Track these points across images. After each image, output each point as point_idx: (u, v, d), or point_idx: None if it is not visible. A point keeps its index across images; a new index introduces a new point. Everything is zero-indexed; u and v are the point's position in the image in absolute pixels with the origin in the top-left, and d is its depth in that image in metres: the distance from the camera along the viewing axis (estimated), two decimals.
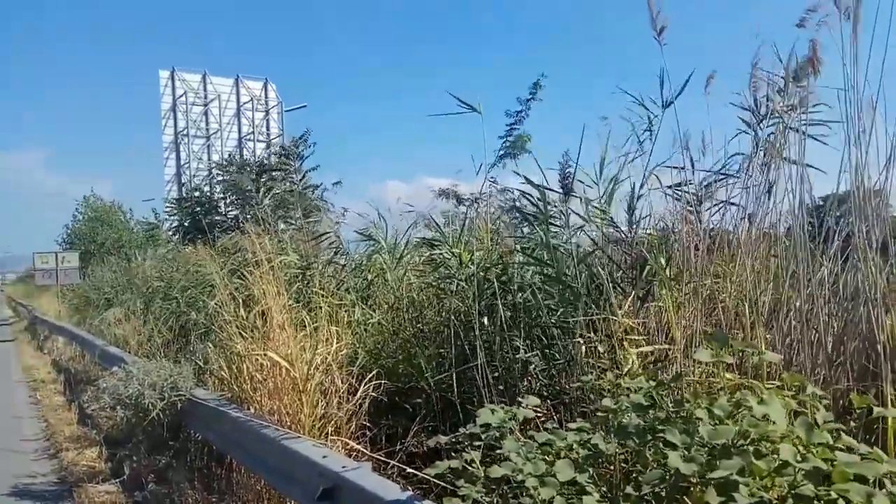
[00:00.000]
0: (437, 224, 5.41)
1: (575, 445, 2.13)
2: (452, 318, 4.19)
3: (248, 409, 4.10)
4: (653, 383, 2.28)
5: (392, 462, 3.46)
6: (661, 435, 1.87)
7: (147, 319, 8.08)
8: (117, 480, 5.06)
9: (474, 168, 4.75)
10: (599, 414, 2.37)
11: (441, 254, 4.96)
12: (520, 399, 2.65)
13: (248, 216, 14.26)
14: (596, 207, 3.93)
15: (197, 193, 18.46)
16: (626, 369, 3.00)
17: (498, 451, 2.31)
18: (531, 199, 4.50)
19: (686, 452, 1.77)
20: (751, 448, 1.73)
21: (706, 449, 1.79)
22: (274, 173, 16.02)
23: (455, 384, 3.98)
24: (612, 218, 3.95)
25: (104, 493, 4.86)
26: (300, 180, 16.26)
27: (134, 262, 13.69)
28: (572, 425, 2.32)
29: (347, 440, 3.67)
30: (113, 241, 24.87)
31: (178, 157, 29.33)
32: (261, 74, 32.87)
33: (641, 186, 4.01)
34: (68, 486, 5.15)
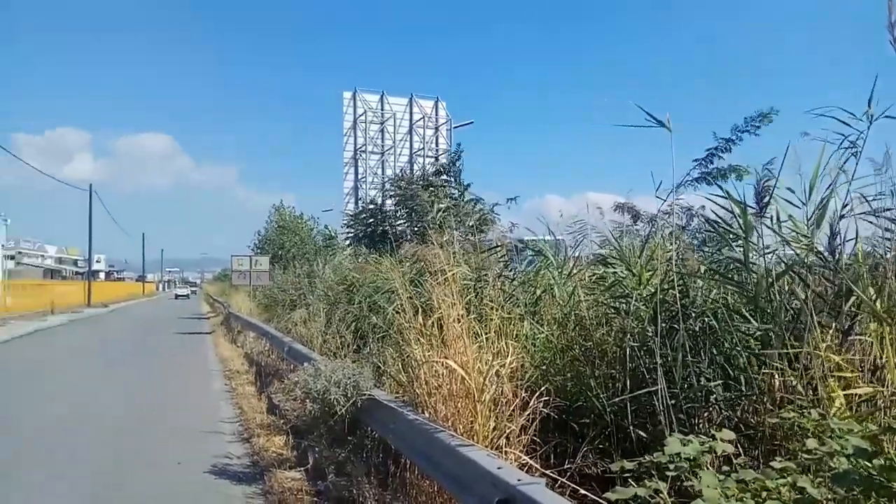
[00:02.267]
0: (614, 241, 5.27)
1: (782, 489, 1.97)
2: (628, 338, 4.07)
3: (424, 412, 4.28)
4: (873, 427, 2.04)
5: (561, 480, 3.43)
6: (890, 486, 1.67)
7: (330, 321, 8.74)
8: (302, 469, 5.52)
9: (653, 184, 4.57)
10: (805, 456, 2.16)
11: (616, 272, 4.84)
12: (713, 432, 2.50)
13: (417, 228, 14.95)
14: (795, 231, 3.60)
15: (371, 206, 19.68)
16: (832, 409, 2.72)
17: (687, 484, 2.21)
18: (722, 217, 4.24)
19: None
20: None
21: None
22: (434, 188, 16.64)
23: (629, 408, 3.85)
24: (816, 242, 3.60)
25: (291, 480, 5.29)
26: (461, 195, 16.76)
27: (316, 267, 14.86)
28: (775, 465, 2.14)
29: (520, 453, 3.69)
30: (297, 248, 27.29)
31: (356, 172, 31.74)
32: (433, 93, 34.55)
33: (844, 207, 3.62)
34: (260, 470, 5.69)
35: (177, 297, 73.07)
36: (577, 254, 6.20)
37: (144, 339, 20.32)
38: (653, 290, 4.13)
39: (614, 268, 5.03)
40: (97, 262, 78.31)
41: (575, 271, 5.65)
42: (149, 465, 5.93)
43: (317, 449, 5.72)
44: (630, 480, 2.57)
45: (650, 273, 4.31)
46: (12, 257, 67.48)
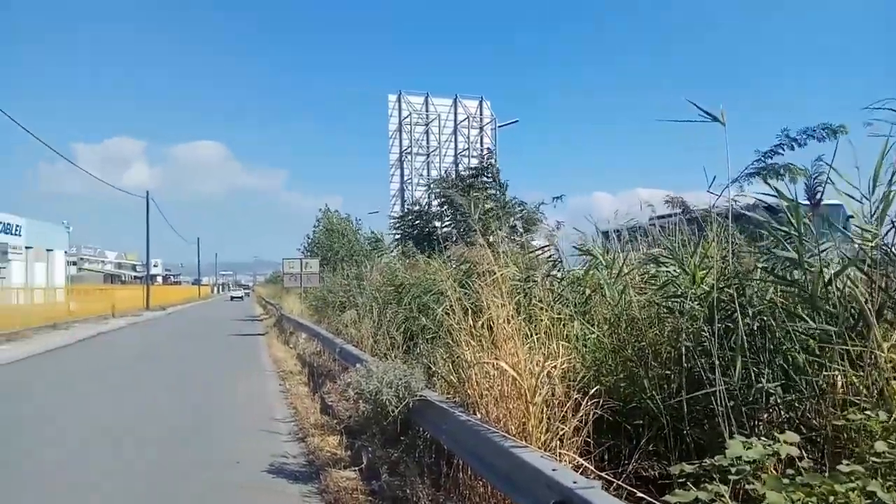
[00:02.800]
0: (666, 239, 5.18)
1: (851, 493, 1.91)
2: (683, 339, 3.99)
3: (475, 413, 4.31)
4: None
5: (617, 483, 3.40)
6: None
7: (380, 322, 8.85)
8: (356, 468, 5.61)
9: (706, 180, 4.46)
10: (875, 459, 2.09)
11: (668, 271, 4.75)
12: (776, 434, 2.44)
13: (462, 229, 14.98)
14: (860, 227, 3.48)
15: (416, 208, 19.82)
16: None
17: (749, 488, 2.16)
18: (773, 214, 4.12)
19: None
20: None
21: None
22: (476, 189, 16.61)
23: (685, 409, 3.79)
24: (881, 238, 3.46)
25: (345, 479, 5.38)
26: (502, 194, 16.70)
27: (364, 269, 15.06)
28: (843, 468, 2.08)
29: (574, 455, 3.67)
30: (346, 251, 27.72)
31: (401, 174, 32.05)
32: (477, 93, 34.60)
33: None
34: (315, 469, 5.80)
35: (232, 298, 79.01)
36: (627, 252, 6.10)
37: (201, 340, 20.98)
38: (707, 289, 4.05)
39: (667, 266, 4.94)
40: (154, 266, 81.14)
41: (626, 270, 5.57)
42: (209, 464, 6.13)
43: (370, 449, 5.81)
44: (689, 484, 2.52)
45: (704, 271, 4.22)
46: (74, 263, 70.54)
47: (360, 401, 5.37)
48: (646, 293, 5.11)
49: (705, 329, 3.87)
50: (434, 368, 5.65)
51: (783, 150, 5.35)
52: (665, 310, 4.64)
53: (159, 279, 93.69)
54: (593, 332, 5.13)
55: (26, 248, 45.17)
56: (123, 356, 16.74)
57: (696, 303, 4.12)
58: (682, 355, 3.93)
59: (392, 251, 19.58)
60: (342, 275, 17.82)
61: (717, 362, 3.52)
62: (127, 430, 7.62)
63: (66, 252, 56.50)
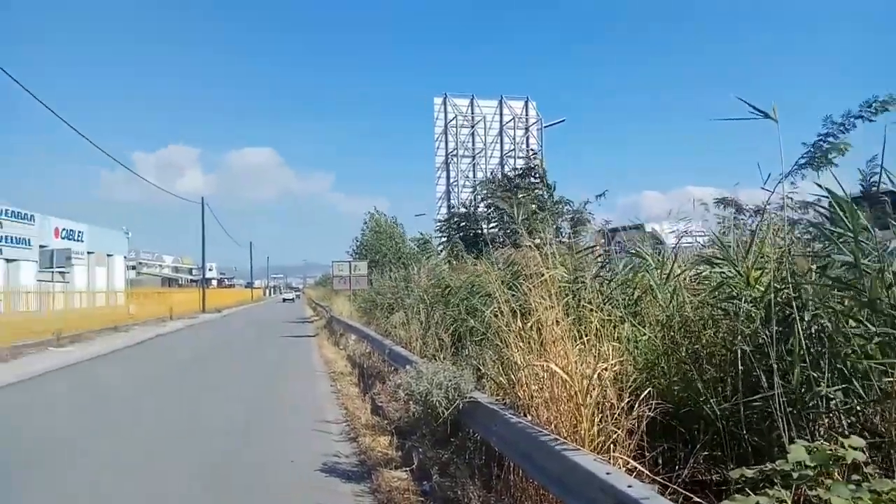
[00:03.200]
0: (719, 239, 5.06)
1: None
2: (738, 341, 3.90)
3: (526, 415, 4.31)
4: None
5: (672, 487, 3.34)
6: None
7: (428, 324, 8.93)
8: (407, 469, 5.67)
9: (761, 177, 4.34)
10: None
11: (723, 272, 4.65)
12: (840, 439, 2.36)
13: (508, 231, 14.92)
14: None
15: (462, 210, 19.86)
16: None
17: (811, 494, 2.10)
18: (830, 212, 3.98)
19: None
20: None
21: None
22: (522, 191, 16.51)
23: (742, 413, 3.70)
24: None
25: (397, 480, 5.45)
26: (549, 195, 16.55)
27: (411, 271, 15.18)
28: None
29: (628, 458, 3.64)
30: (394, 253, 27.97)
31: (447, 176, 32.20)
32: (523, 92, 34.49)
33: None
34: (367, 469, 5.90)
35: (283, 300, 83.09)
36: (677, 252, 5.99)
37: (254, 342, 21.54)
38: (762, 291, 3.95)
39: (720, 267, 4.83)
40: (209, 270, 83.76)
41: (678, 271, 5.48)
42: (264, 462, 6.31)
43: (420, 450, 5.86)
44: (747, 489, 2.47)
45: (759, 272, 4.11)
46: (133, 267, 73.35)
47: (411, 402, 5.42)
48: (699, 294, 5.01)
49: (761, 332, 3.78)
50: (483, 370, 5.67)
51: (831, 137, 5.13)
52: (720, 311, 4.54)
53: (214, 282, 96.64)
54: (644, 334, 5.06)
55: (88, 253, 47.32)
56: (181, 357, 17.34)
57: (750, 305, 4.02)
58: (737, 358, 3.84)
59: (439, 253, 19.68)
60: (390, 277, 18.00)
61: (774, 366, 3.43)
62: (187, 427, 7.92)
63: (125, 257, 58.84)
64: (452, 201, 30.15)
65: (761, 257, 4.41)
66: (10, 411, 9.54)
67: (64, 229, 45.32)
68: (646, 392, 4.06)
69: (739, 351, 3.84)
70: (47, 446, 7.01)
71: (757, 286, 4.10)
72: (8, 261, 38.44)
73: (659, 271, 5.74)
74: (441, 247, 19.47)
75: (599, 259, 6.76)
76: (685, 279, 5.39)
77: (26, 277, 36.86)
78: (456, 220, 18.95)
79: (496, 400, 4.97)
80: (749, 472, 2.41)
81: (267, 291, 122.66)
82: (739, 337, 3.96)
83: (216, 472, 6.05)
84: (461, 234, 17.68)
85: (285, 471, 6.00)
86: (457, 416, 5.32)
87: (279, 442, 7.22)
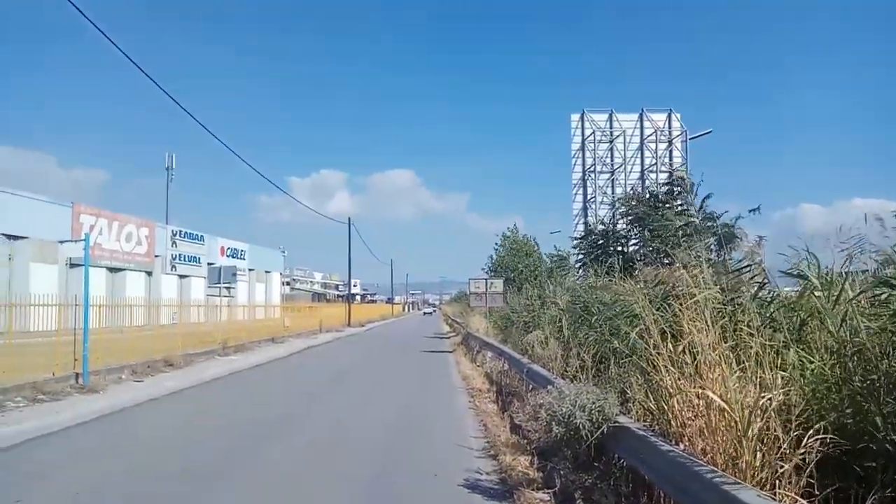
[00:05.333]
0: None
1: None
2: None
3: (678, 444, 4.09)
4: None
5: None
6: None
7: (569, 343, 8.77)
8: (550, 491, 5.57)
9: None
10: None
11: None
12: None
13: (651, 248, 14.30)
14: None
15: (601, 227, 19.37)
16: None
17: None
18: None
19: None
20: None
21: None
22: (669, 206, 15.71)
23: None
24: None
25: (539, 501, 5.38)
26: (699, 210, 15.59)
27: (547, 290, 15.03)
28: None
29: (796, 496, 3.33)
30: (529, 271, 27.87)
31: (584, 193, 31.59)
32: (665, 103, 33.20)
33: None
34: (508, 488, 5.85)
35: (424, 314, 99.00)
36: (847, 271, 5.41)
37: (396, 356, 22.36)
38: None
39: None
40: (354, 286, 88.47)
41: (850, 294, 4.94)
42: (410, 474, 6.52)
43: (562, 472, 5.75)
44: None
45: None
46: (288, 283, 79.38)
47: (553, 423, 5.34)
48: (878, 320, 4.49)
49: None
50: (629, 393, 5.47)
51: None
52: None
53: (358, 298, 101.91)
54: (812, 362, 4.62)
55: (249, 270, 51.93)
56: (330, 368, 18.41)
57: None
58: None
59: (577, 271, 19.29)
60: (526, 295, 17.94)
61: None
62: (336, 436, 8.38)
63: (281, 273, 63.87)
64: (590, 218, 29.48)
65: None
66: (181, 413, 10.66)
67: (229, 248, 50.18)
68: (815, 426, 3.70)
69: None
70: (204, 457, 7.73)
71: None
72: (181, 277, 43.25)
73: (827, 293, 5.22)
74: (579, 263, 19.09)
75: (757, 279, 6.26)
76: (859, 302, 4.86)
77: (196, 292, 41.21)
78: (594, 237, 18.49)
79: (644, 426, 4.77)
80: None
81: (406, 307, 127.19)
82: None
83: (365, 481, 6.31)
84: (600, 251, 17.22)
85: (430, 483, 6.14)
86: (601, 439, 5.16)
87: (423, 453, 7.43)
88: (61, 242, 25.81)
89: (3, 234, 28.60)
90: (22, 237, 29.46)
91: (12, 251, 29.25)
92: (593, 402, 5.11)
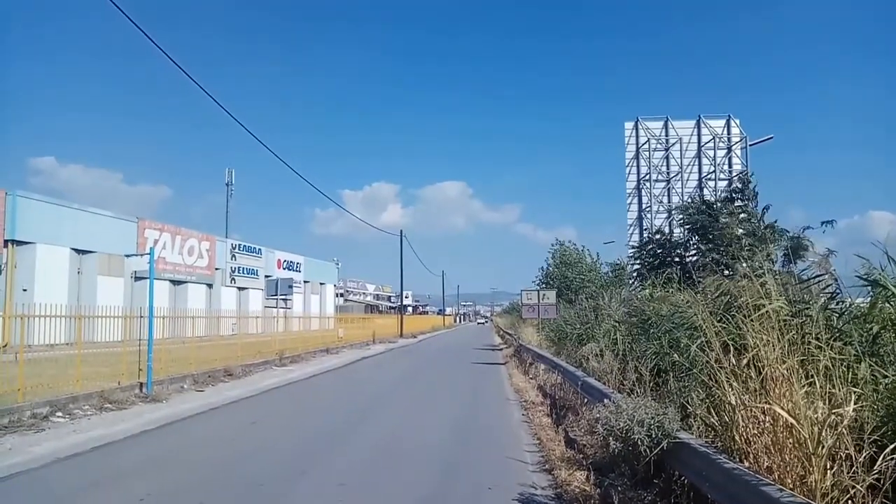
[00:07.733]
0: None
1: None
2: None
3: (743, 462, 3.94)
4: None
5: None
6: None
7: (625, 356, 8.57)
8: None
9: None
10: None
11: None
12: None
13: (711, 258, 13.88)
14: None
15: (658, 236, 18.95)
16: None
17: None
18: None
19: None
20: None
21: None
22: (731, 214, 15.21)
23: None
24: None
25: None
26: (760, 219, 15.06)
27: (602, 301, 14.75)
28: None
29: None
30: (581, 282, 27.46)
31: (639, 202, 30.95)
32: (725, 110, 32.39)
33: None
34: None
35: (478, 323, 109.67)
36: None
37: (448, 368, 22.34)
38: None
39: None
40: (406, 297, 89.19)
41: None
42: (466, 486, 6.50)
43: (620, 489, 5.61)
44: None
45: None
46: (341, 294, 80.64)
47: (610, 438, 5.22)
48: None
49: None
50: (689, 409, 5.30)
51: None
52: None
53: (410, 309, 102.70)
54: (886, 377, 4.38)
55: (304, 282, 53.07)
56: (383, 380, 18.54)
57: None
58: None
59: (633, 282, 18.88)
60: (579, 307, 17.67)
61: None
62: (394, 446, 8.44)
63: (335, 285, 64.98)
64: (645, 227, 28.86)
65: None
66: (241, 422, 10.93)
67: (285, 261, 51.47)
68: (891, 444, 3.50)
69: None
70: (262, 468, 7.88)
71: None
72: (240, 289, 44.56)
73: None
74: (635, 274, 18.71)
75: (828, 289, 5.99)
76: None
77: (254, 304, 42.36)
78: (651, 247, 18.09)
79: (706, 442, 4.61)
80: None
81: (457, 318, 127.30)
82: None
83: (421, 493, 6.31)
84: (657, 260, 16.82)
85: (486, 497, 6.09)
86: (660, 455, 5.01)
87: (477, 465, 7.39)
88: (127, 256, 27.11)
89: (73, 249, 30.15)
90: (90, 251, 31.00)
91: (81, 265, 30.79)
92: (652, 417, 4.98)
